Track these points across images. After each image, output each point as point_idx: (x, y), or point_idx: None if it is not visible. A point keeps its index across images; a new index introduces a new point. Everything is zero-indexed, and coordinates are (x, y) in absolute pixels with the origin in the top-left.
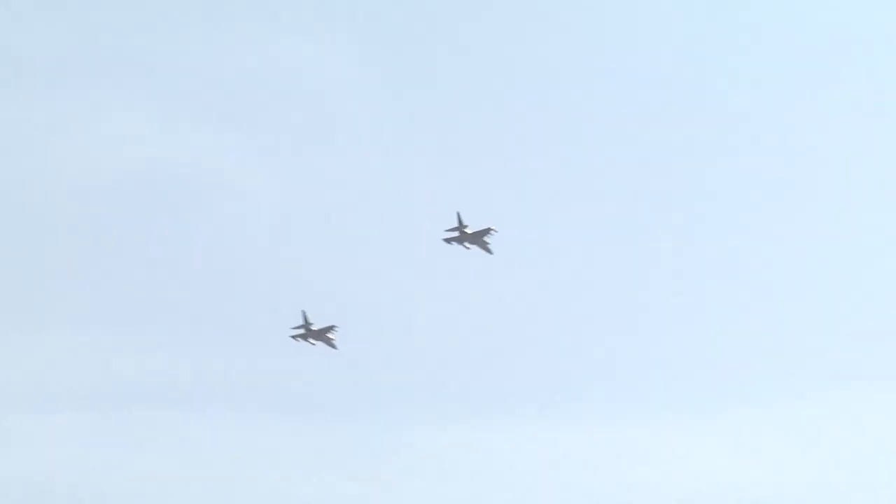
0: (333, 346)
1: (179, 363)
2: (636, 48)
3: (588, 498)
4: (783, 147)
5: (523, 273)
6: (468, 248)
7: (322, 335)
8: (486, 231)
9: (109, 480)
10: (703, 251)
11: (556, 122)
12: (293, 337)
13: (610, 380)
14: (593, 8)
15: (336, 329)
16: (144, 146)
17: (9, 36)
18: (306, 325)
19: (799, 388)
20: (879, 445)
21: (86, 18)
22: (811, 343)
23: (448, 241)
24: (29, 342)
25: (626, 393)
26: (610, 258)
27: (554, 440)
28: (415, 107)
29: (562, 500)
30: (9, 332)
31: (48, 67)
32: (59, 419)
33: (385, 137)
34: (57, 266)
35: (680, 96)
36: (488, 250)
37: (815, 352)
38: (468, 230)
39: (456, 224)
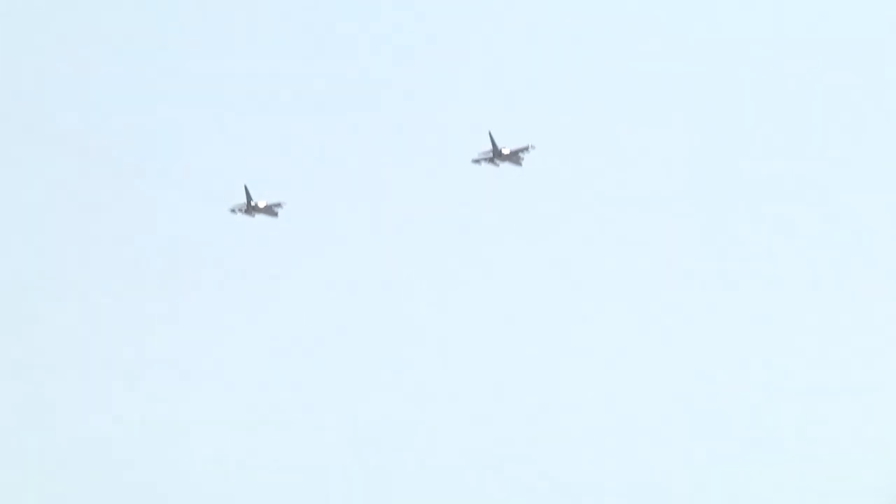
0: (275, 213)
1: None
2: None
3: None
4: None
5: None
6: (498, 164)
7: (267, 210)
8: (525, 149)
9: None
10: None
11: None
12: (233, 211)
13: None
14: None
15: (282, 205)
16: None
17: None
18: (248, 200)
19: None
20: None
21: None
22: None
23: (477, 161)
24: None
25: None
26: None
27: None
28: None
29: None
30: None
31: None
32: None
33: None
34: None
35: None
36: (519, 164)
37: None
38: (505, 150)
39: (490, 146)
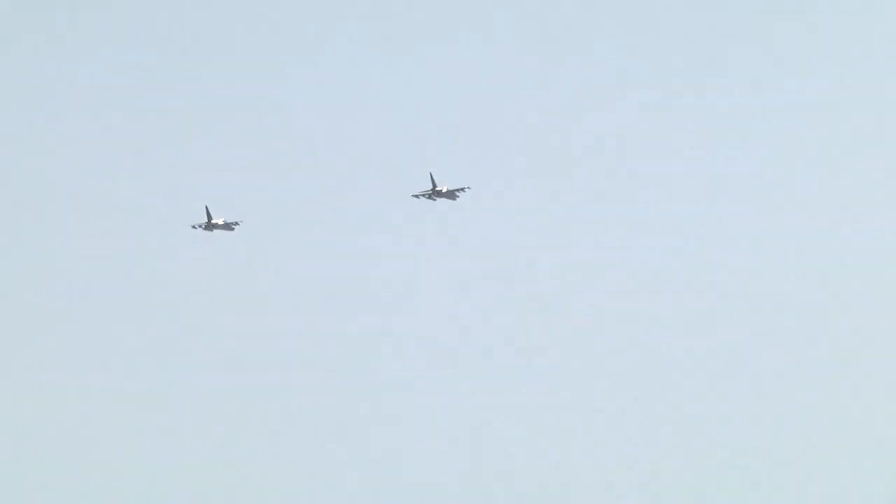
0: (232, 229)
1: None
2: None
3: None
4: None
5: None
6: (435, 200)
7: (225, 226)
8: (462, 189)
9: None
10: None
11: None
12: (193, 227)
13: None
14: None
15: (239, 223)
16: None
17: None
18: (209, 219)
19: None
20: None
21: None
22: None
23: (416, 196)
24: None
25: None
26: None
27: None
28: None
29: None
30: None
31: None
32: None
33: None
34: None
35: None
36: (454, 199)
37: None
38: (443, 189)
39: (429, 185)
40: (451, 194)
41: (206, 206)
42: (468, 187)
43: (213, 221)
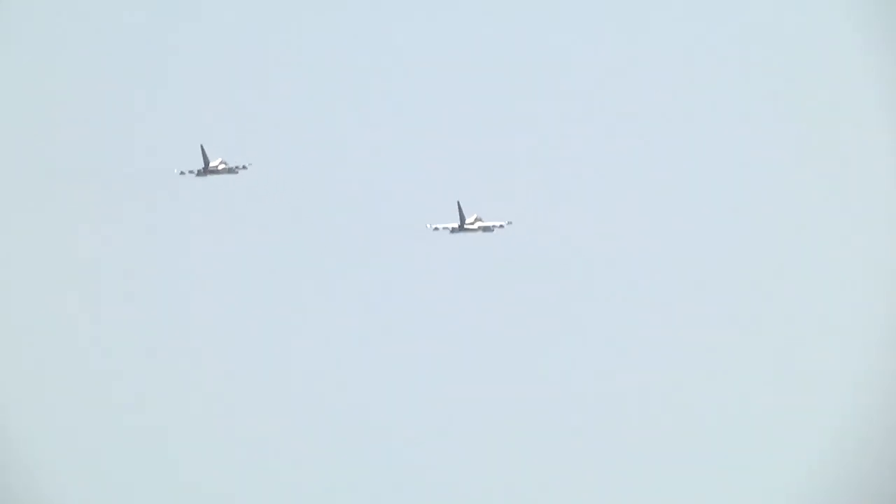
0: (235, 172)
1: None
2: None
3: None
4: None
5: None
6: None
7: (225, 171)
8: (500, 225)
9: None
10: None
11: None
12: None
13: None
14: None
15: (246, 167)
16: None
17: None
18: (205, 163)
19: None
20: None
21: None
22: None
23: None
24: None
25: None
26: None
27: None
28: None
29: None
30: None
31: None
32: None
33: None
34: None
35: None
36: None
37: None
38: (474, 225)
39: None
40: (488, 229)
41: (202, 146)
42: (509, 222)
43: (210, 165)
